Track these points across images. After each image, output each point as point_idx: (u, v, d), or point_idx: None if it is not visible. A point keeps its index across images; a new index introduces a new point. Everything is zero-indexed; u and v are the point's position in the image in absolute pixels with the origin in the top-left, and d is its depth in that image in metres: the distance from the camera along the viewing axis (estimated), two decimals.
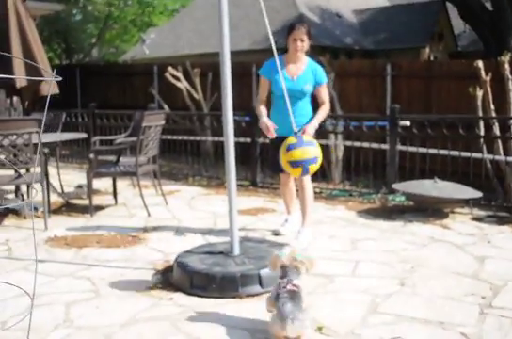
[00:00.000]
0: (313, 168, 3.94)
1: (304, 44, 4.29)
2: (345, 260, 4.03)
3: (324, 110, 4.41)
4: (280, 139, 4.24)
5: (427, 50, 23.80)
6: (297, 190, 4.60)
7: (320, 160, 3.96)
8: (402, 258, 4.04)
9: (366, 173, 6.47)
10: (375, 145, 6.68)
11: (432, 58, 23.44)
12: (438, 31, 24.59)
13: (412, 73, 8.47)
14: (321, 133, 5.45)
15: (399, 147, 6.25)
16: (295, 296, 2.69)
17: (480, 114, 5.96)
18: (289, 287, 2.73)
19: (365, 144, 6.50)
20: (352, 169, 6.54)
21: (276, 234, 4.66)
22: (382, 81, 8.60)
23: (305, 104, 4.40)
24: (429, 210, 5.29)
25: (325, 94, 4.43)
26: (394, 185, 5.72)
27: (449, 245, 4.36)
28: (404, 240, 4.50)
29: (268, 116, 4.39)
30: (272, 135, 4.24)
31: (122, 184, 6.82)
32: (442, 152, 6.00)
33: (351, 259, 4.04)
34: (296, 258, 2.85)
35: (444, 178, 5.60)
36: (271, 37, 3.91)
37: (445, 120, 6.02)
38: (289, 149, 3.89)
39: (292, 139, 3.93)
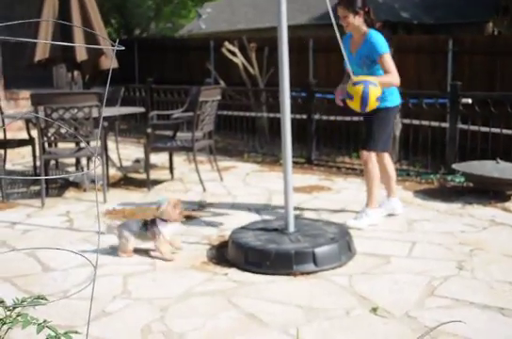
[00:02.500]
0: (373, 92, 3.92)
1: (349, 20, 4.15)
2: (402, 241, 3.97)
3: (388, 76, 4.10)
4: (364, 115, 4.38)
5: (491, 24, 22.88)
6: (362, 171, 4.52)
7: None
8: (460, 240, 3.95)
9: (424, 153, 6.31)
10: (434, 123, 6.49)
11: (496, 33, 22.54)
12: (503, 4, 23.55)
13: (475, 49, 8.14)
14: None
15: (460, 125, 6.06)
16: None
17: None
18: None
19: (424, 122, 6.33)
20: (410, 147, 6.39)
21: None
22: (443, 57, 8.31)
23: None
24: (490, 192, 5.13)
25: (387, 65, 4.11)
26: (454, 166, 5.56)
27: (510, 228, 4.23)
28: (462, 222, 4.39)
29: None
30: (338, 103, 4.34)
31: (178, 159, 6.89)
32: (506, 131, 5.79)
33: (407, 240, 3.98)
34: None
35: (507, 159, 5.41)
36: (331, 12, 3.81)
37: (509, 97, 5.78)
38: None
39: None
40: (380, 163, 4.42)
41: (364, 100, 3.90)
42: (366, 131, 4.36)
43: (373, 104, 3.94)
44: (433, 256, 3.64)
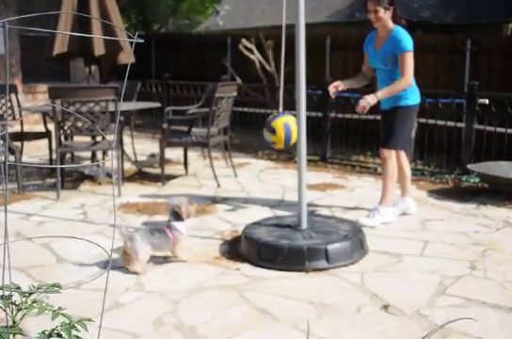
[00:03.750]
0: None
1: (379, 15, 4.13)
2: (415, 240, 3.96)
3: (398, 83, 4.11)
4: (382, 113, 4.45)
5: (510, 25, 22.67)
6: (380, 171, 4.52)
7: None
8: (473, 241, 3.93)
9: (439, 152, 6.29)
10: (450, 123, 6.46)
11: None
12: None
13: (493, 49, 8.08)
14: None
15: (476, 126, 6.03)
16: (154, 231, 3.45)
17: None
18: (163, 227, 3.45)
19: (440, 122, 6.30)
20: (425, 147, 6.36)
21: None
22: (461, 57, 8.26)
23: (397, 77, 4.17)
24: (505, 193, 5.09)
25: (405, 65, 4.09)
26: (469, 166, 5.54)
27: None
28: (476, 222, 4.37)
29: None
30: (332, 94, 4.31)
31: (193, 154, 6.92)
32: None
33: (420, 239, 3.97)
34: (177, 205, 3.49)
35: None
36: None
37: None
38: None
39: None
40: (397, 161, 4.41)
41: (287, 134, 3.87)
42: (386, 129, 4.34)
43: (295, 139, 3.84)
44: (446, 256, 3.63)
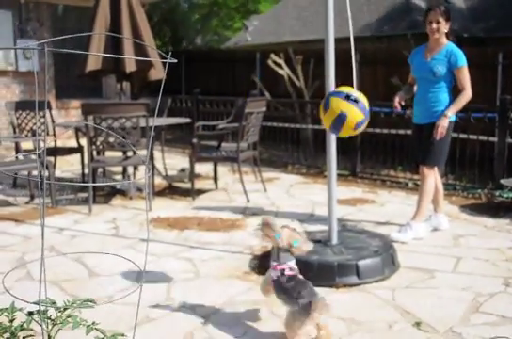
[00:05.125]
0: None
1: (440, 26, 4.15)
2: (447, 256, 3.90)
3: (462, 97, 4.18)
4: (415, 127, 4.44)
5: None
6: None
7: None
8: (507, 257, 3.86)
9: (472, 167, 6.21)
10: (482, 137, 6.38)
11: None
12: None
13: None
14: None
15: (509, 140, 5.94)
16: (299, 281, 2.67)
17: None
18: (288, 272, 2.70)
19: (472, 136, 6.23)
20: (457, 162, 6.29)
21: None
22: (493, 70, 8.18)
23: (438, 90, 4.22)
24: None
25: (464, 79, 4.17)
26: (502, 181, 5.46)
27: None
28: (510, 238, 4.29)
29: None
30: (396, 107, 4.38)
31: (223, 169, 6.96)
32: None
33: (453, 255, 3.91)
34: (293, 245, 2.72)
35: None
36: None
37: None
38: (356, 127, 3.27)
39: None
40: None
41: (339, 121, 3.23)
42: (425, 146, 4.30)
43: (346, 131, 3.29)
44: (479, 272, 3.57)
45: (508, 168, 5.88)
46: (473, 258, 3.84)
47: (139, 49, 5.97)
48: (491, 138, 6.32)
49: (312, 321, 2.49)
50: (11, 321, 1.63)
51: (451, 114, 4.16)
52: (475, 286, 3.32)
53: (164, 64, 6.13)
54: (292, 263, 2.77)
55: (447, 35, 4.24)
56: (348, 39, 3.56)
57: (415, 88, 4.46)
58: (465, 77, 4.18)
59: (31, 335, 1.66)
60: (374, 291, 3.27)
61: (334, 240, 3.70)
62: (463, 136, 6.22)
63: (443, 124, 4.14)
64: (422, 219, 4.36)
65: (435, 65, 4.18)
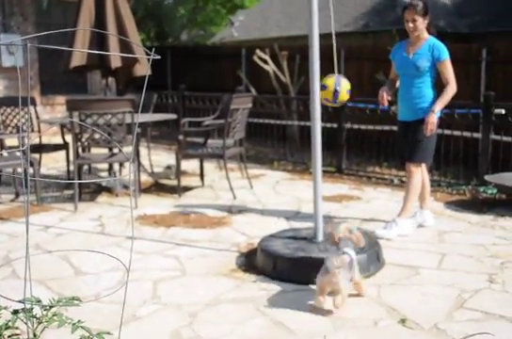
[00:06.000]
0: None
1: (417, 24, 4.15)
2: (432, 252, 3.94)
3: (447, 92, 4.18)
4: (401, 124, 4.44)
5: None
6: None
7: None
8: (491, 253, 3.90)
9: (456, 163, 6.25)
10: (466, 134, 6.43)
11: None
12: None
13: (510, 59, 8.05)
14: None
15: (493, 136, 5.99)
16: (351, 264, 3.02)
17: None
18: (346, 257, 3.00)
19: (456, 132, 6.28)
20: (441, 158, 6.33)
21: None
22: (476, 67, 8.24)
23: (422, 85, 4.23)
24: None
25: (447, 72, 4.18)
26: (486, 177, 5.50)
27: None
28: (494, 235, 4.33)
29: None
30: (383, 104, 4.32)
31: (209, 166, 6.95)
32: None
33: (437, 251, 3.94)
34: (352, 231, 3.17)
35: None
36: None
37: None
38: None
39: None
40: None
41: (336, 91, 3.59)
42: (412, 143, 4.32)
43: (344, 96, 3.64)
44: (463, 268, 3.61)
45: (492, 164, 5.93)
46: (458, 254, 3.88)
47: (124, 44, 5.93)
48: (475, 134, 6.36)
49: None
50: None
51: (437, 110, 4.18)
52: (460, 283, 3.35)
53: (149, 60, 6.07)
54: (351, 251, 3.09)
55: (427, 29, 4.25)
56: (331, 34, 3.57)
57: (397, 83, 4.47)
58: (449, 71, 4.19)
59: (16, 334, 1.65)
60: None
61: (320, 237, 3.71)
62: (447, 132, 6.27)
63: (432, 120, 4.16)
64: (407, 216, 4.39)
65: (418, 60, 4.20)
